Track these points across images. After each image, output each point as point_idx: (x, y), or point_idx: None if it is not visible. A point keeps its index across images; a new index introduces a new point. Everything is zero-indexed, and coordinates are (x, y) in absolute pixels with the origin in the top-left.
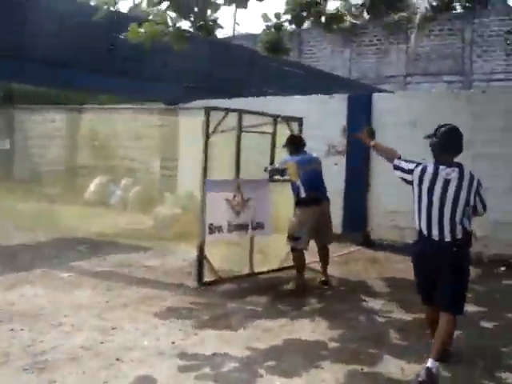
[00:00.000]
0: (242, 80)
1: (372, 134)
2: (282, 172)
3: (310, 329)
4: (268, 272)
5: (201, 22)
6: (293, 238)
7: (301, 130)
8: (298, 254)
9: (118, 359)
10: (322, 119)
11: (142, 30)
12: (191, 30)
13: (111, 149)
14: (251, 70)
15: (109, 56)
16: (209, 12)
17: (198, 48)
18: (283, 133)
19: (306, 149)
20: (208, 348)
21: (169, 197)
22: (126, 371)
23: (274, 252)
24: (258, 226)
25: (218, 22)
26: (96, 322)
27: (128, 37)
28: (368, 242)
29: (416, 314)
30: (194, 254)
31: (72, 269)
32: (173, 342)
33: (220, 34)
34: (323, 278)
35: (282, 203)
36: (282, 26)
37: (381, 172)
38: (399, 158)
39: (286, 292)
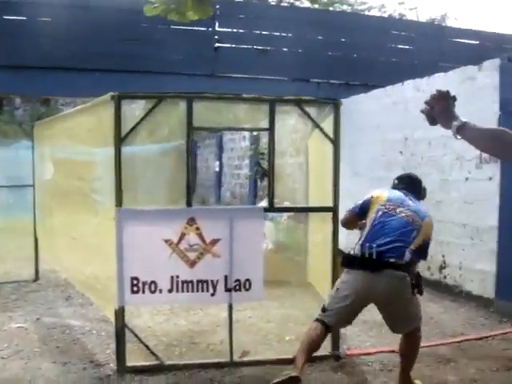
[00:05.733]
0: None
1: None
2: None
3: None
4: (264, 363)
5: None
6: (323, 307)
7: (337, 119)
8: (316, 325)
9: None
10: (470, 106)
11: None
12: None
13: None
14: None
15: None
16: None
17: None
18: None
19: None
20: None
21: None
22: None
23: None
24: (239, 286)
25: None
26: None
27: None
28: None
29: None
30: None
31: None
32: None
33: None
34: None
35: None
36: None
37: None
38: None
39: None
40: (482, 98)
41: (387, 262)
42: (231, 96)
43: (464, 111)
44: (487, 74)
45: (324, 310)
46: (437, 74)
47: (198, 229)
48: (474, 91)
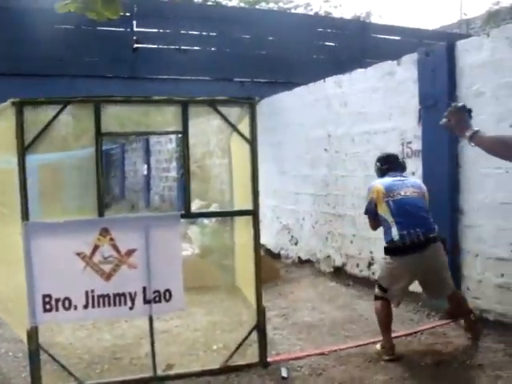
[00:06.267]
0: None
1: (464, 114)
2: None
3: None
4: (189, 375)
5: None
6: (380, 286)
7: (253, 119)
8: (381, 304)
9: None
10: (390, 101)
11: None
12: None
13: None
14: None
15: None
16: None
17: None
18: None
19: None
20: None
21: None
22: None
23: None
24: (159, 297)
25: None
26: None
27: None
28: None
29: None
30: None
31: None
32: None
33: None
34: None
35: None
36: None
37: (484, 186)
38: None
39: None
40: (402, 93)
41: (429, 238)
42: (140, 99)
43: (384, 106)
44: (406, 68)
45: (383, 288)
46: (358, 69)
47: (111, 239)
48: (394, 86)
